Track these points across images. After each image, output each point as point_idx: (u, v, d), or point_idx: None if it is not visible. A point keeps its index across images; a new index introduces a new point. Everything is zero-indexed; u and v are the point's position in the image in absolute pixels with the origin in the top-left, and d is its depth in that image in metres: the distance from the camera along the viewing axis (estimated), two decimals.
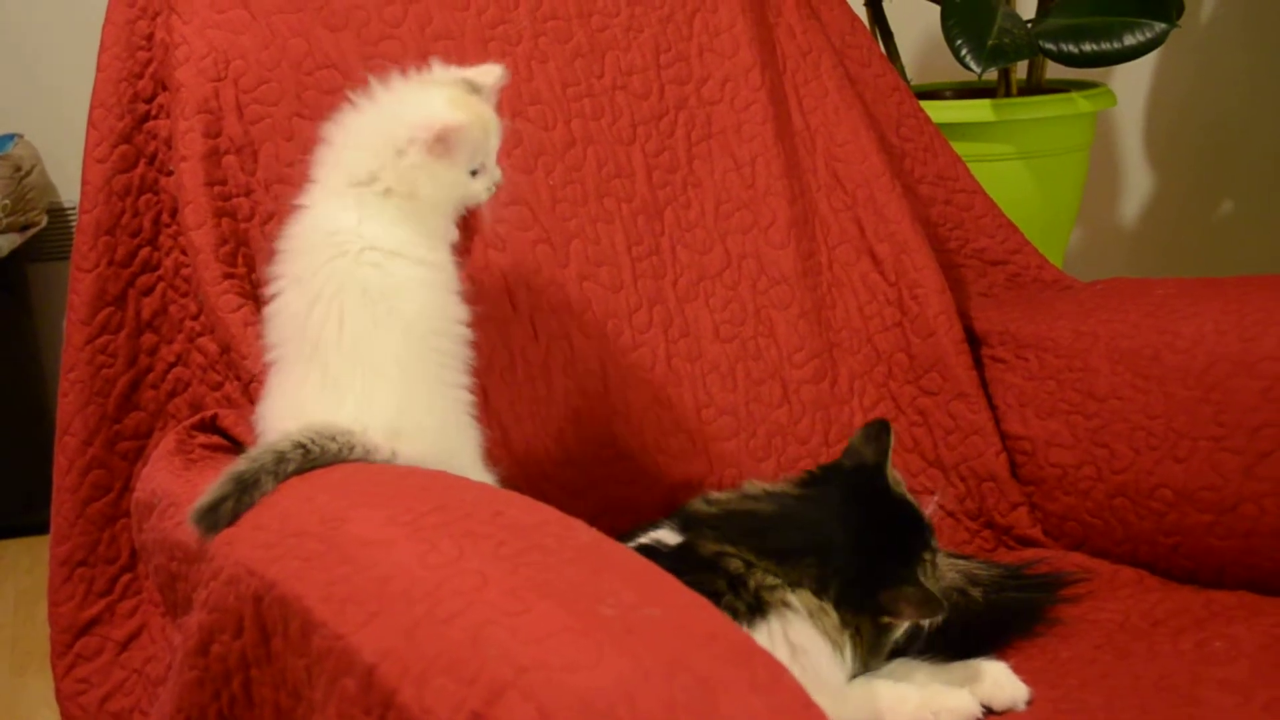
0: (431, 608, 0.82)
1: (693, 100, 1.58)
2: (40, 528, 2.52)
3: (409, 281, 1.12)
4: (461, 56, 1.44)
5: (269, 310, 1.16)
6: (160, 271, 1.39)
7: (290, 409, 1.12)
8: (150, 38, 1.37)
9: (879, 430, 1.25)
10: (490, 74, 1.18)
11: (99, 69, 1.37)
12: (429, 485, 1.01)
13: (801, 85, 1.66)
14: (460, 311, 1.16)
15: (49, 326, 2.77)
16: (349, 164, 1.14)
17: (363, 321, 1.10)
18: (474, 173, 1.16)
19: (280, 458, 1.07)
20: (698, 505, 1.23)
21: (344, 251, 1.11)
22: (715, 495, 1.25)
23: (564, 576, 0.85)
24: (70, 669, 1.40)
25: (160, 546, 1.18)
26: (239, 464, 1.07)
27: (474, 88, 1.17)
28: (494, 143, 1.17)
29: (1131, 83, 2.70)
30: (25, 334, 2.70)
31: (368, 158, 1.13)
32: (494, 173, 1.18)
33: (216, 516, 1.05)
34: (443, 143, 1.11)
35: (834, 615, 1.14)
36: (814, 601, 1.14)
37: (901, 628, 1.18)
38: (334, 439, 1.08)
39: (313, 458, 1.07)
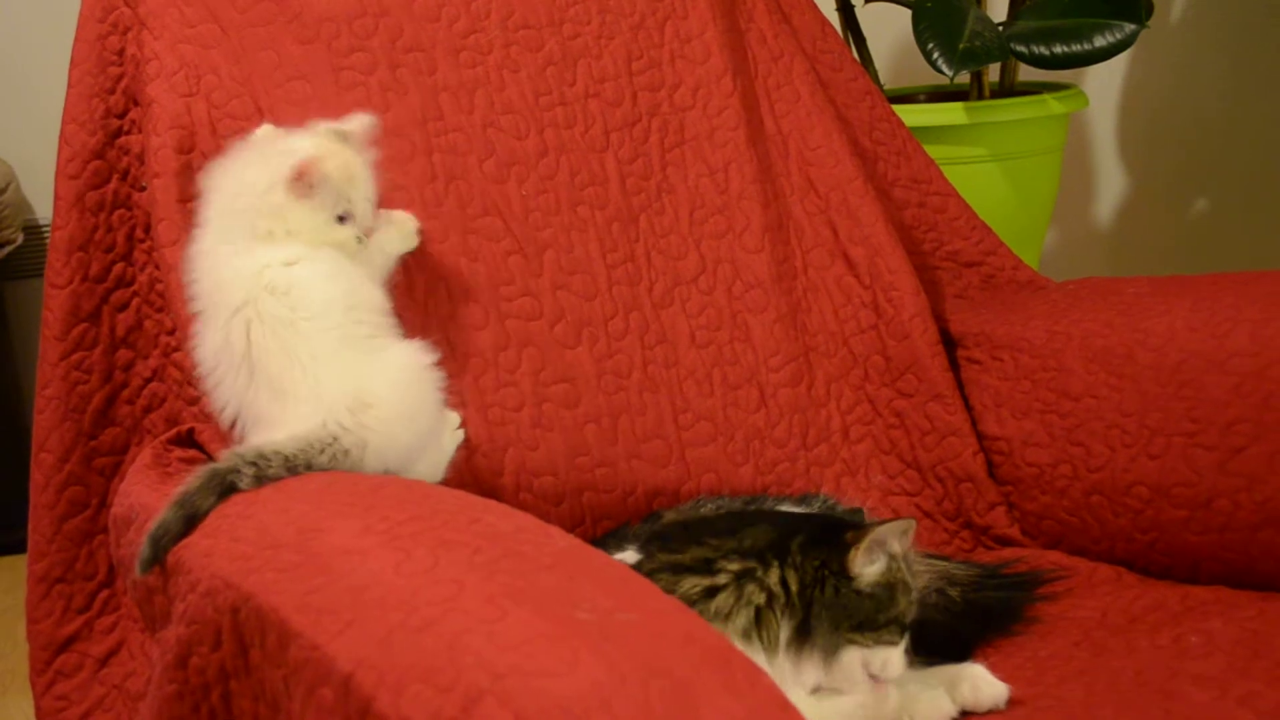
0: (407, 616, 0.82)
1: (665, 107, 1.58)
2: (19, 546, 2.52)
3: (310, 279, 1.17)
4: (432, 68, 1.45)
5: (198, 344, 1.21)
6: (135, 287, 1.39)
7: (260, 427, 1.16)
8: (121, 53, 1.37)
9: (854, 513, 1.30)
10: (358, 122, 1.23)
11: (70, 84, 1.36)
12: (405, 494, 1.01)
13: (774, 90, 1.66)
14: (373, 279, 1.23)
15: (26, 344, 2.76)
16: (232, 210, 1.20)
17: (286, 333, 1.15)
18: (341, 218, 1.20)
19: (262, 457, 1.10)
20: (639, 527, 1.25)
21: (250, 290, 1.16)
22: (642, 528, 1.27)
23: (540, 583, 0.85)
24: (50, 686, 1.40)
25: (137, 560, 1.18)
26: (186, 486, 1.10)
27: (343, 136, 1.21)
28: (360, 190, 1.21)
29: (1103, 84, 2.72)
30: (2, 352, 2.69)
31: (244, 203, 1.19)
32: (364, 220, 1.21)
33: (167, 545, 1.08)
34: (302, 180, 1.16)
35: (775, 570, 1.13)
36: (743, 566, 1.14)
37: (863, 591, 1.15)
38: (321, 451, 1.11)
39: (299, 468, 1.10)
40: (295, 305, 1.15)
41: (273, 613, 0.90)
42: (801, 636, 1.11)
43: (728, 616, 1.11)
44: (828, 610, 1.12)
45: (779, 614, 1.12)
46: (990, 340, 1.58)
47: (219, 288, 1.18)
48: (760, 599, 1.12)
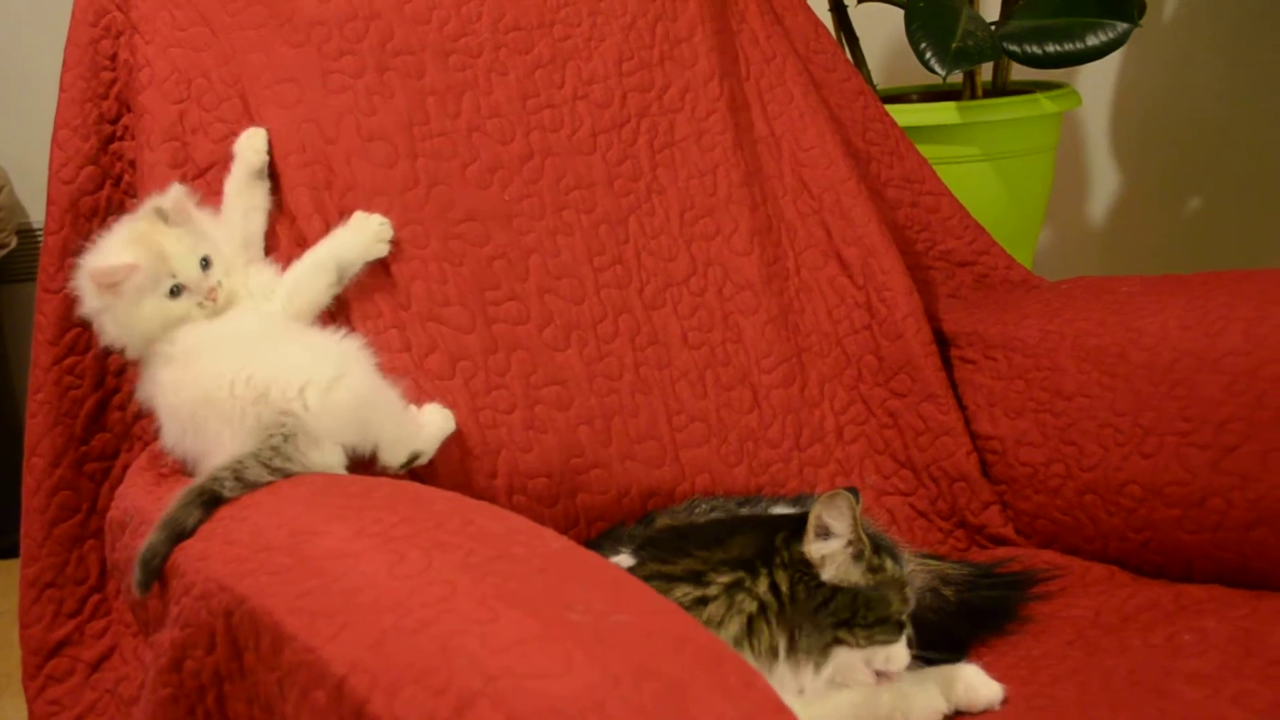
0: (400, 618, 0.82)
1: (654, 108, 1.58)
2: (11, 551, 2.52)
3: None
4: (420, 71, 1.45)
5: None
6: None
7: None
8: (114, 58, 1.37)
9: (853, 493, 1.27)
10: (173, 195, 1.24)
11: (62, 89, 1.36)
12: (398, 497, 1.01)
13: (766, 91, 1.66)
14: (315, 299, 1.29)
15: (19, 348, 2.75)
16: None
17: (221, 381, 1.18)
18: (174, 292, 1.21)
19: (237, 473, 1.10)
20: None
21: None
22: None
23: (533, 585, 0.85)
24: (42, 691, 1.40)
25: (132, 564, 1.18)
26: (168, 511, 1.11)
27: (162, 214, 1.23)
28: (182, 261, 1.22)
29: (1096, 82, 2.72)
30: None
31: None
32: (202, 284, 1.23)
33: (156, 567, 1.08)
34: (109, 285, 1.20)
35: (765, 579, 1.12)
36: (733, 577, 1.13)
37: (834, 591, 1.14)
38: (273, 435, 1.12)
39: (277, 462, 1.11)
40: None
41: (267, 616, 0.90)
42: (794, 641, 1.12)
43: (720, 624, 1.11)
44: (809, 610, 1.12)
45: (772, 621, 1.12)
46: (983, 340, 1.58)
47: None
48: (752, 607, 1.12)
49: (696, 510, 1.37)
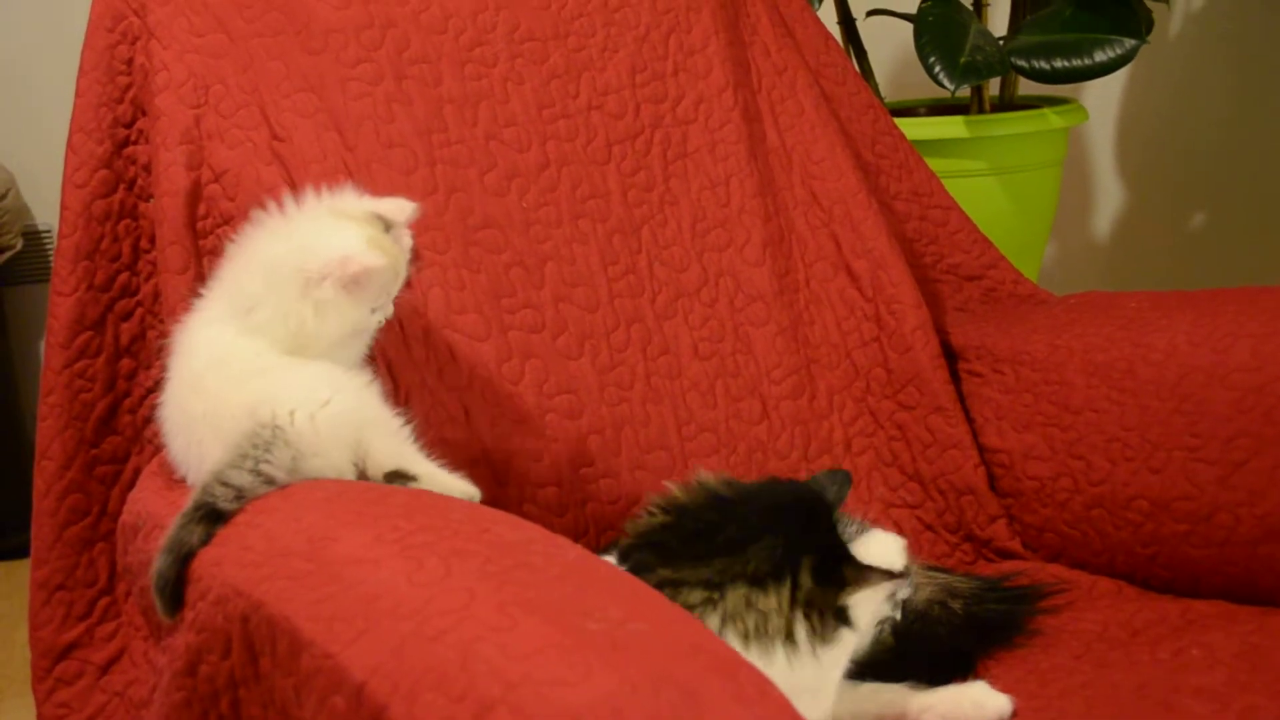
0: (420, 625, 0.82)
1: (668, 119, 1.59)
2: (16, 552, 2.52)
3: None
4: (437, 80, 1.45)
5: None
6: (139, 297, 1.40)
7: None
8: (130, 63, 1.38)
9: (843, 478, 1.26)
10: (403, 211, 1.20)
11: (78, 94, 1.37)
12: (414, 504, 1.02)
13: (778, 104, 1.67)
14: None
15: (24, 349, 2.76)
16: (238, 290, 1.17)
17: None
18: (373, 309, 1.18)
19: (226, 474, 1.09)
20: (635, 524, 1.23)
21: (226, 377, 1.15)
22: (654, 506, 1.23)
23: (551, 593, 0.86)
24: (51, 693, 1.40)
25: (145, 568, 1.18)
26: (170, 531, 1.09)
27: (387, 224, 1.19)
28: (399, 285, 1.20)
29: (1103, 98, 2.73)
30: (1, 358, 2.69)
31: (260, 285, 1.16)
32: (388, 308, 1.20)
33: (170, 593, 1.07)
34: (358, 284, 1.14)
35: (774, 598, 1.12)
36: (746, 594, 1.13)
37: (857, 617, 1.16)
38: (255, 445, 1.10)
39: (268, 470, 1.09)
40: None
41: (284, 621, 0.91)
42: (811, 626, 1.13)
43: (732, 621, 1.12)
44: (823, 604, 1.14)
45: (786, 614, 1.12)
46: (992, 353, 1.58)
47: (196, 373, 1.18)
48: (752, 621, 1.12)
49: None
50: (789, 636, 1.11)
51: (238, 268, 1.19)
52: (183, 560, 1.06)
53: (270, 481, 1.09)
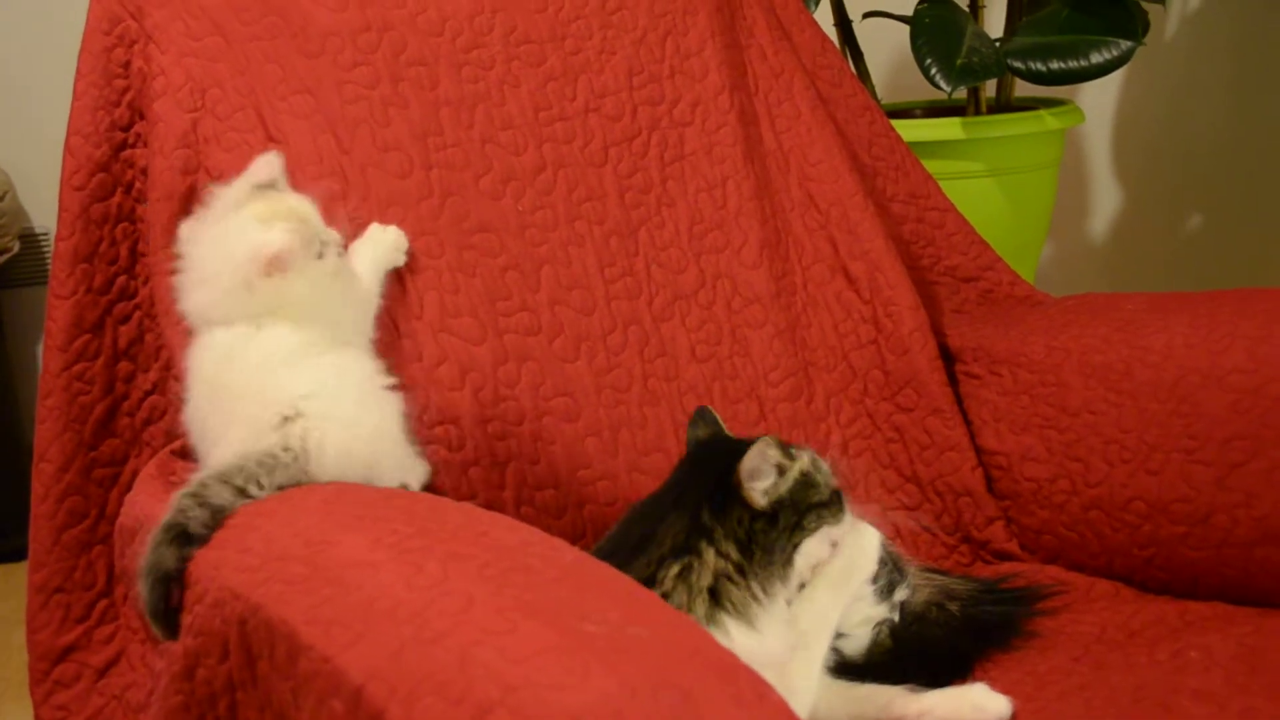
0: (418, 628, 0.83)
1: (665, 121, 1.59)
2: (13, 554, 2.52)
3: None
4: (434, 83, 1.45)
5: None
6: (137, 300, 1.40)
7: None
8: (127, 66, 1.38)
9: (703, 413, 1.29)
10: (270, 166, 1.23)
11: (75, 96, 1.37)
12: (412, 507, 1.02)
13: (774, 106, 1.67)
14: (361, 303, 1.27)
15: (21, 352, 2.76)
16: (212, 305, 1.19)
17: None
18: (320, 255, 1.20)
19: (203, 488, 1.09)
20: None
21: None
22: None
23: (549, 596, 0.86)
24: (48, 696, 1.40)
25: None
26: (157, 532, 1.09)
27: (269, 185, 1.21)
28: (316, 221, 1.21)
29: (1098, 100, 2.73)
30: None
31: (223, 298, 1.18)
32: (332, 236, 1.22)
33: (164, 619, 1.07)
34: (277, 263, 1.16)
35: (708, 557, 1.14)
36: (678, 568, 1.14)
37: (800, 528, 1.17)
38: (258, 461, 1.11)
39: (245, 483, 1.09)
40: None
41: (282, 624, 0.91)
42: (764, 581, 1.14)
43: (689, 608, 1.12)
44: (763, 546, 1.15)
45: (735, 579, 1.13)
46: (989, 355, 1.59)
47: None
48: (708, 581, 1.13)
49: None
50: (739, 593, 1.13)
51: (198, 287, 1.21)
52: (164, 583, 1.06)
53: (249, 499, 1.09)
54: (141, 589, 1.07)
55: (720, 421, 1.28)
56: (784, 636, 1.15)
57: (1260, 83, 2.68)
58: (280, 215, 1.18)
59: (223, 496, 1.08)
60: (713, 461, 1.21)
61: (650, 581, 1.14)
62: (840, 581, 1.21)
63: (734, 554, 1.14)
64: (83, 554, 1.40)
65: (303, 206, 1.21)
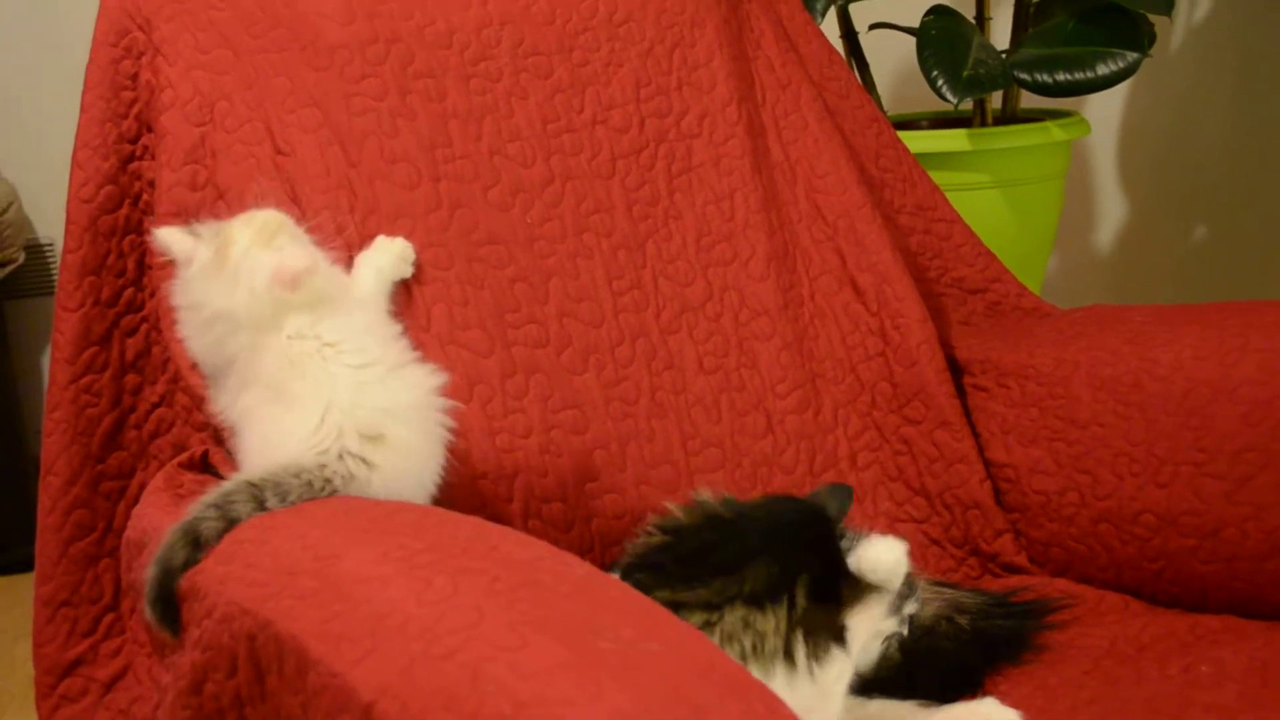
0: (429, 644, 0.82)
1: (672, 134, 1.59)
2: (17, 566, 2.52)
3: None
4: (442, 94, 1.45)
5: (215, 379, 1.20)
6: (144, 312, 1.39)
7: (269, 448, 1.14)
8: (135, 78, 1.38)
9: (844, 493, 1.26)
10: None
11: (83, 109, 1.37)
12: (422, 521, 1.01)
13: (782, 118, 1.67)
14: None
15: (26, 363, 2.76)
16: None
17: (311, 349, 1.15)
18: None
19: (225, 496, 1.08)
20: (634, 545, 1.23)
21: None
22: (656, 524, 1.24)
23: (561, 611, 0.85)
24: (55, 711, 1.40)
25: None
26: (184, 521, 1.09)
27: (248, 221, 1.19)
28: (299, 231, 1.21)
29: (1104, 111, 2.73)
30: (2, 371, 2.68)
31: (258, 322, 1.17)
32: (317, 248, 1.21)
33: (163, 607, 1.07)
34: (299, 281, 1.15)
35: (772, 618, 1.12)
36: (744, 615, 1.12)
37: (854, 636, 1.16)
38: (297, 475, 1.10)
39: (269, 498, 1.09)
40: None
41: (291, 639, 0.90)
42: (807, 645, 1.12)
43: (730, 640, 1.11)
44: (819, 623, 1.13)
45: (781, 634, 1.12)
46: (997, 367, 1.58)
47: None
48: (749, 642, 1.11)
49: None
50: (787, 656, 1.11)
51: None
52: (169, 574, 1.06)
53: (265, 509, 1.09)
54: (149, 573, 1.07)
55: (846, 509, 1.24)
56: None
57: (1266, 94, 2.68)
58: (266, 232, 1.17)
59: (242, 510, 1.08)
60: (831, 545, 1.17)
61: (709, 607, 1.12)
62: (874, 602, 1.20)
63: (794, 634, 1.12)
64: (90, 567, 1.40)
65: (274, 217, 1.20)
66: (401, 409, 1.17)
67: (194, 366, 1.28)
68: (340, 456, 1.12)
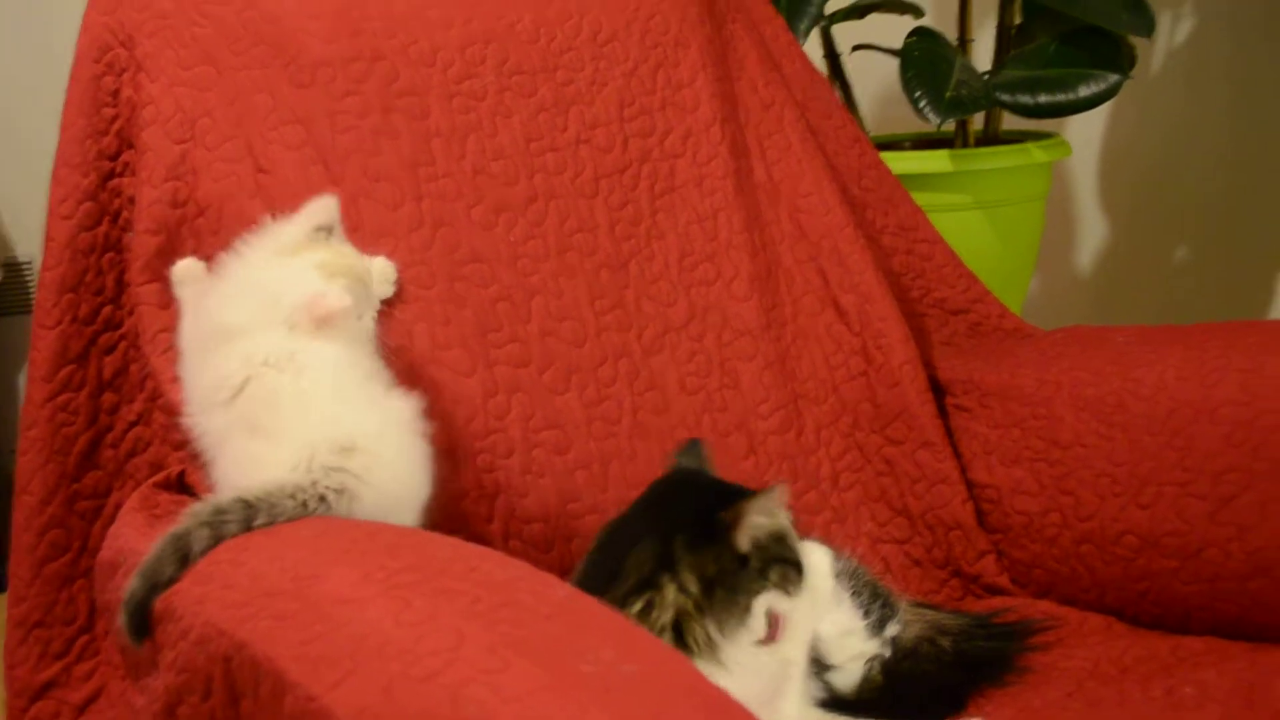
0: (408, 666, 0.81)
1: (656, 153, 1.59)
2: None
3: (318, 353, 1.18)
4: (425, 113, 1.45)
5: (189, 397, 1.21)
6: (122, 330, 1.38)
7: (244, 472, 1.14)
8: (116, 94, 1.37)
9: (694, 445, 1.27)
10: (328, 209, 1.24)
11: (64, 126, 1.36)
12: (401, 542, 1.01)
13: (765, 138, 1.67)
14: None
15: (3, 382, 2.73)
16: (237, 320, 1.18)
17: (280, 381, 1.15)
18: (359, 317, 1.22)
19: (219, 512, 1.07)
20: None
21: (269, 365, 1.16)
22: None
23: (542, 633, 0.85)
24: None
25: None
26: (174, 529, 1.08)
27: (325, 230, 1.22)
28: (370, 282, 1.24)
29: (1086, 133, 2.74)
30: None
31: (263, 322, 1.17)
32: (374, 301, 1.24)
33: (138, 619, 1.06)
34: (327, 320, 1.16)
35: (669, 593, 1.11)
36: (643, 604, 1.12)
37: (763, 588, 1.14)
38: (292, 495, 1.09)
39: (260, 516, 1.08)
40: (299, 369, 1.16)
41: (267, 662, 0.89)
42: (720, 618, 1.11)
43: None
44: (727, 586, 1.11)
45: (693, 614, 1.11)
46: (979, 388, 1.58)
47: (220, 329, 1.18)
48: (668, 618, 1.10)
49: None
50: (700, 630, 1.10)
51: (236, 301, 1.20)
52: (154, 589, 1.05)
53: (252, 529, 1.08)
54: (131, 584, 1.06)
55: (709, 459, 1.26)
56: (760, 676, 1.13)
57: (1246, 116, 2.70)
58: (343, 273, 1.19)
59: (230, 529, 1.07)
60: (697, 495, 1.19)
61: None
62: (804, 618, 1.18)
63: (694, 590, 1.11)
64: (64, 588, 1.38)
65: (361, 265, 1.23)
66: (384, 431, 1.17)
67: (175, 380, 1.27)
68: (326, 482, 1.11)
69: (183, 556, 1.06)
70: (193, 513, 1.08)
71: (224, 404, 1.16)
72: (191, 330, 1.24)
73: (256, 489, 1.09)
